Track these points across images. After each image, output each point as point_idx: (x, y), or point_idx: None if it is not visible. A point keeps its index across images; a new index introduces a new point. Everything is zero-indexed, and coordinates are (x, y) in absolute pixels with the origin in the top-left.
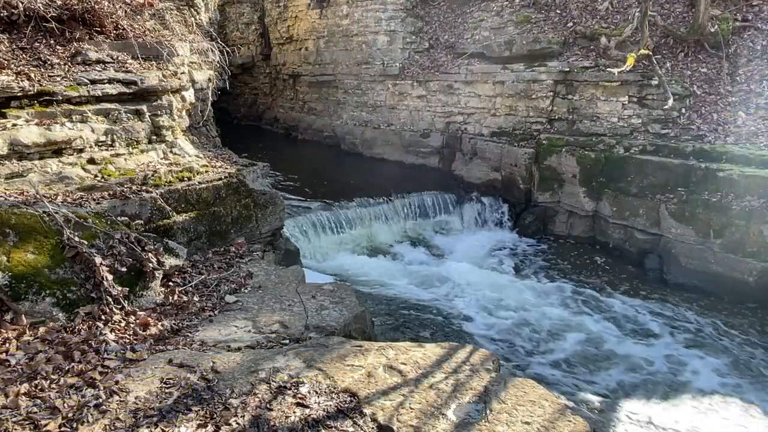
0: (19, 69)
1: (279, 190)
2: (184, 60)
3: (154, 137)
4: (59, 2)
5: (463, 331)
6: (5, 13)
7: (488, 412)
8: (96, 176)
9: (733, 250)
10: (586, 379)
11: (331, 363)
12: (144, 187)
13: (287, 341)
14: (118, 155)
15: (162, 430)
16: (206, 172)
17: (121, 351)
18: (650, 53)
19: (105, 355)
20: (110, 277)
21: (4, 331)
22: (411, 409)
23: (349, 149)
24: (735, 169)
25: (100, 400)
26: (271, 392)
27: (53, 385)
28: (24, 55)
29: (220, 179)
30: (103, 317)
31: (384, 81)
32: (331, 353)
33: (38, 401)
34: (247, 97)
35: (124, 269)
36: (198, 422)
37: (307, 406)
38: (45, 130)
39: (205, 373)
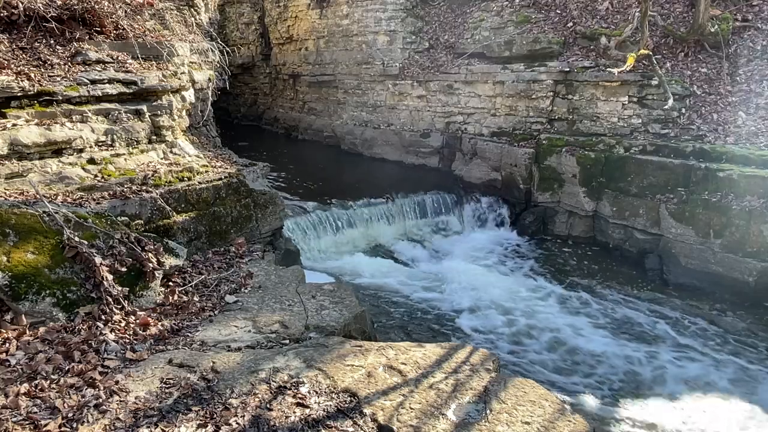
0: (19, 69)
1: (279, 190)
2: (184, 60)
3: (154, 137)
4: (59, 2)
5: (463, 330)
6: (5, 13)
7: (488, 412)
8: (96, 176)
9: (733, 250)
10: (586, 379)
11: (331, 363)
12: (144, 187)
13: (287, 341)
14: (118, 155)
15: (162, 430)
16: (206, 172)
17: (121, 351)
18: (650, 53)
19: (105, 355)
20: (110, 277)
21: (4, 331)
22: (411, 409)
23: (349, 149)
24: (735, 169)
25: (100, 400)
26: (271, 392)
27: (53, 385)
28: (24, 55)
29: (220, 179)
30: (103, 317)
31: (384, 81)
32: (331, 353)
33: (38, 401)
34: (247, 97)
35: (124, 269)
36: (198, 422)
37: (307, 406)
38: (45, 130)
39: (205, 373)
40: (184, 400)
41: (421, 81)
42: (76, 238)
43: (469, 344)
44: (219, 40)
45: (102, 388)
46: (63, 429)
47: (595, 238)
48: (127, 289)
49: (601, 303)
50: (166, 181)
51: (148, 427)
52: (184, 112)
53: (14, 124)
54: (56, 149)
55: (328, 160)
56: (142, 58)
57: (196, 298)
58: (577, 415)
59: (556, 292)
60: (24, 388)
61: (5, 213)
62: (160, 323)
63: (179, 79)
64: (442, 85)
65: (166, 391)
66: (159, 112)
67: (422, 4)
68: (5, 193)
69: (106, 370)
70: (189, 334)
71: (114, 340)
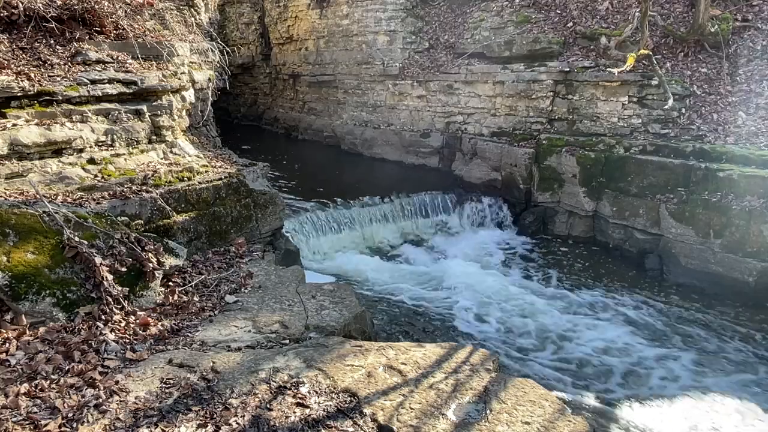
0: (19, 69)
1: (279, 190)
2: (184, 60)
3: (154, 137)
4: (59, 2)
5: (463, 330)
6: (5, 13)
7: (488, 412)
8: (96, 176)
9: (733, 250)
10: (586, 380)
11: (331, 363)
12: (144, 187)
13: (287, 341)
14: (118, 155)
15: (162, 430)
16: (206, 172)
17: (121, 351)
18: (650, 53)
19: (105, 355)
20: (110, 277)
21: (4, 331)
22: (411, 409)
23: (349, 149)
24: (735, 169)
25: (100, 400)
26: (271, 392)
27: (53, 385)
28: (24, 55)
29: (220, 179)
30: (103, 317)
31: (384, 81)
32: (331, 353)
33: (38, 401)
34: (247, 97)
35: (124, 269)
36: (198, 422)
37: (307, 406)
38: (45, 130)
39: (205, 373)
40: (184, 400)
41: (421, 81)
42: (76, 238)
43: (469, 344)
44: (219, 40)
45: (102, 388)
46: (63, 429)
47: (595, 238)
48: (127, 289)
49: (600, 303)
50: (166, 181)
51: (148, 427)
52: (184, 112)
53: (14, 124)
54: (56, 149)
55: (328, 160)
56: (142, 58)
57: (196, 298)
58: (577, 415)
59: (555, 292)
60: (24, 388)
61: (5, 213)
62: (160, 323)
63: (179, 79)
64: (442, 85)
65: (166, 391)
66: (159, 112)
67: (422, 4)
68: (5, 193)
69: (106, 370)
70: (189, 334)
71: (114, 340)
